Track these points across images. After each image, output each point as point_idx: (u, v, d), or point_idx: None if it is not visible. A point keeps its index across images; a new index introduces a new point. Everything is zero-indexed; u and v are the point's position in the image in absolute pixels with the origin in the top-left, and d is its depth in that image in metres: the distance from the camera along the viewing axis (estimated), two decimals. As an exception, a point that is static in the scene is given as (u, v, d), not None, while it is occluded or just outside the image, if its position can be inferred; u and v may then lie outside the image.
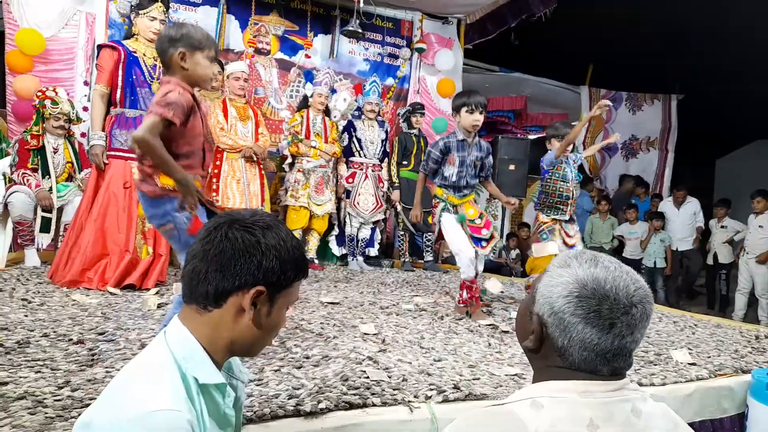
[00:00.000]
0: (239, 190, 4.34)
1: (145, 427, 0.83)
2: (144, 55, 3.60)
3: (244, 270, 0.97)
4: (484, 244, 3.18)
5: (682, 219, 7.15)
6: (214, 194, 4.30)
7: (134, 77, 3.55)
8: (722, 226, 7.17)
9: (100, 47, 3.75)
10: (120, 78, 3.54)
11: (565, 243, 3.71)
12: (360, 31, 5.62)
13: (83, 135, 4.67)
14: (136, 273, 3.44)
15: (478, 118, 3.16)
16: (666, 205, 7.40)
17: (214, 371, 0.99)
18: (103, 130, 3.60)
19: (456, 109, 3.23)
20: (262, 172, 4.63)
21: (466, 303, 3.22)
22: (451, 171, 3.22)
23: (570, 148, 3.73)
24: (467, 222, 3.19)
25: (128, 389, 0.90)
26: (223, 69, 4.72)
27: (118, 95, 3.57)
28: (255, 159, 4.48)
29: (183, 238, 2.00)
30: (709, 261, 7.18)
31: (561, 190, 3.72)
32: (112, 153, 3.59)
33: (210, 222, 1.04)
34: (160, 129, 1.88)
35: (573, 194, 3.72)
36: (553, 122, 3.88)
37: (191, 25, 2.06)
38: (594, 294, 0.87)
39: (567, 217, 3.73)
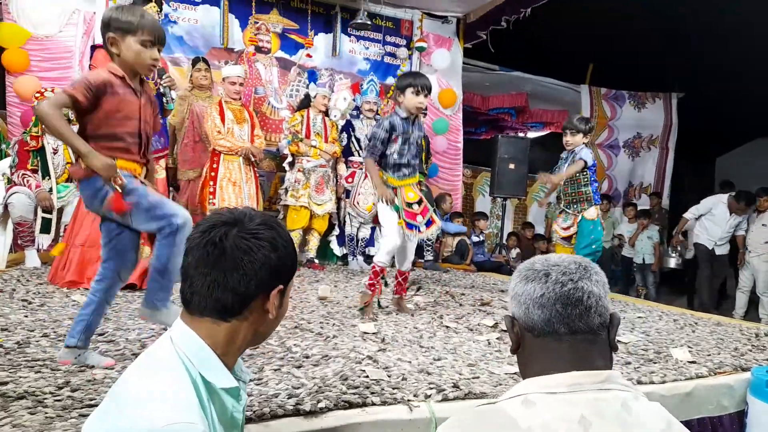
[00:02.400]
0: (234, 192, 4.35)
1: None
2: None
3: (259, 276, 0.99)
4: (422, 228, 3.13)
5: (730, 225, 6.26)
6: (210, 196, 4.31)
7: None
8: None
9: (93, 48, 3.74)
10: None
11: (559, 235, 4.05)
12: (369, 23, 5.64)
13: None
14: (135, 273, 3.43)
15: (423, 101, 3.08)
16: (718, 206, 6.32)
17: (227, 375, 0.99)
18: None
19: (401, 89, 3.12)
20: (257, 174, 4.65)
21: (372, 288, 3.10)
22: (392, 149, 3.10)
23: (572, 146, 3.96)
24: (404, 205, 3.11)
25: (139, 401, 0.87)
26: (209, 66, 4.75)
27: None
28: (252, 160, 4.50)
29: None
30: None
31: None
32: None
33: (206, 227, 1.00)
34: (62, 102, 1.83)
35: (571, 188, 3.94)
36: (569, 116, 4.18)
37: (126, 7, 1.95)
38: (531, 263, 1.02)
39: (559, 210, 4.07)
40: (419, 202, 3.11)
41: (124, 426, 0.84)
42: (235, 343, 1.01)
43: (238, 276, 0.96)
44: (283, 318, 1.15)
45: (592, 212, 3.85)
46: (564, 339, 0.94)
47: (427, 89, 3.09)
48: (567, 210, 3.95)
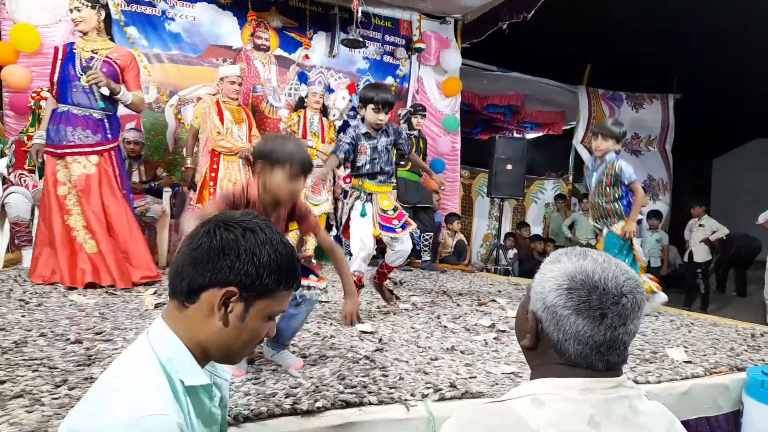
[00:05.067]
0: None
1: None
2: (82, 49, 3.51)
3: (216, 268, 0.94)
4: (397, 230, 3.15)
5: None
6: (210, 197, 4.32)
7: (65, 73, 3.48)
8: (700, 225, 7.27)
9: None
10: (57, 75, 3.51)
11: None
12: (360, 39, 5.62)
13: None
14: (87, 267, 3.39)
15: (383, 118, 3.12)
16: None
17: (198, 372, 0.98)
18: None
19: (363, 102, 3.14)
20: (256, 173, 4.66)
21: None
22: (363, 160, 3.17)
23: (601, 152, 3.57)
24: (379, 212, 3.14)
25: (114, 394, 0.88)
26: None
27: (54, 91, 3.56)
28: (251, 160, 4.50)
29: None
30: (685, 258, 7.42)
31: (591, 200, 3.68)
32: (45, 149, 3.50)
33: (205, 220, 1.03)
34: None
35: (598, 201, 3.60)
36: (603, 120, 3.66)
37: (285, 140, 2.02)
38: (583, 285, 0.88)
39: (601, 226, 3.65)
40: (394, 209, 3.16)
41: (100, 421, 0.84)
42: (195, 338, 0.97)
43: (191, 260, 0.96)
44: (257, 343, 1.04)
45: (619, 227, 3.54)
46: (595, 372, 0.90)
47: (388, 105, 3.11)
48: (596, 224, 3.68)
